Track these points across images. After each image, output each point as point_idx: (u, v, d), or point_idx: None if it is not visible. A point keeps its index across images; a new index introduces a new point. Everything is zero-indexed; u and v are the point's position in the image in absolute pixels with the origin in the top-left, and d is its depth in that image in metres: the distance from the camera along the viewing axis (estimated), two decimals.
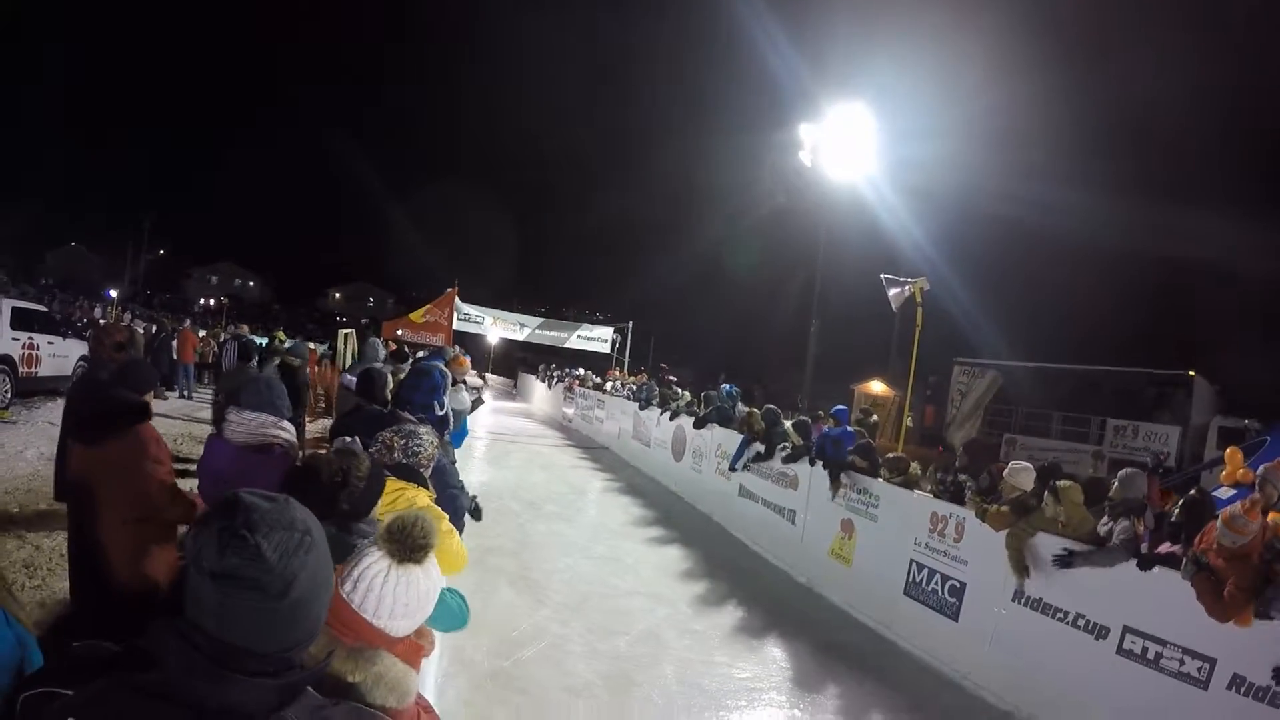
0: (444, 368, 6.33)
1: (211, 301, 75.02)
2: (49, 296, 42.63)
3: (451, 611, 2.78)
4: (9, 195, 65.19)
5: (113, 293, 51.75)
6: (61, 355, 14.72)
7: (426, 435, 3.47)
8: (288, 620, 1.24)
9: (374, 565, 1.93)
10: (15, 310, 13.54)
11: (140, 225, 63.61)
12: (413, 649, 1.99)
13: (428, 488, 3.28)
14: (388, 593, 1.89)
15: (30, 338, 13.54)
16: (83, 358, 15.50)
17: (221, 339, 22.44)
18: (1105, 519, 5.70)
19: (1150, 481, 7.40)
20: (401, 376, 6.54)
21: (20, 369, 13.04)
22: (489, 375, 31.20)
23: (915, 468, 8.09)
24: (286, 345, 10.30)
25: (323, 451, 3.01)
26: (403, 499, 3.04)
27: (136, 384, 3.89)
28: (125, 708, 1.17)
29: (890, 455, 8.44)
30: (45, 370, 14.06)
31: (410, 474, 3.22)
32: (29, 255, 66.58)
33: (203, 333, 23.61)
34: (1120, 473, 5.69)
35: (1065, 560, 5.57)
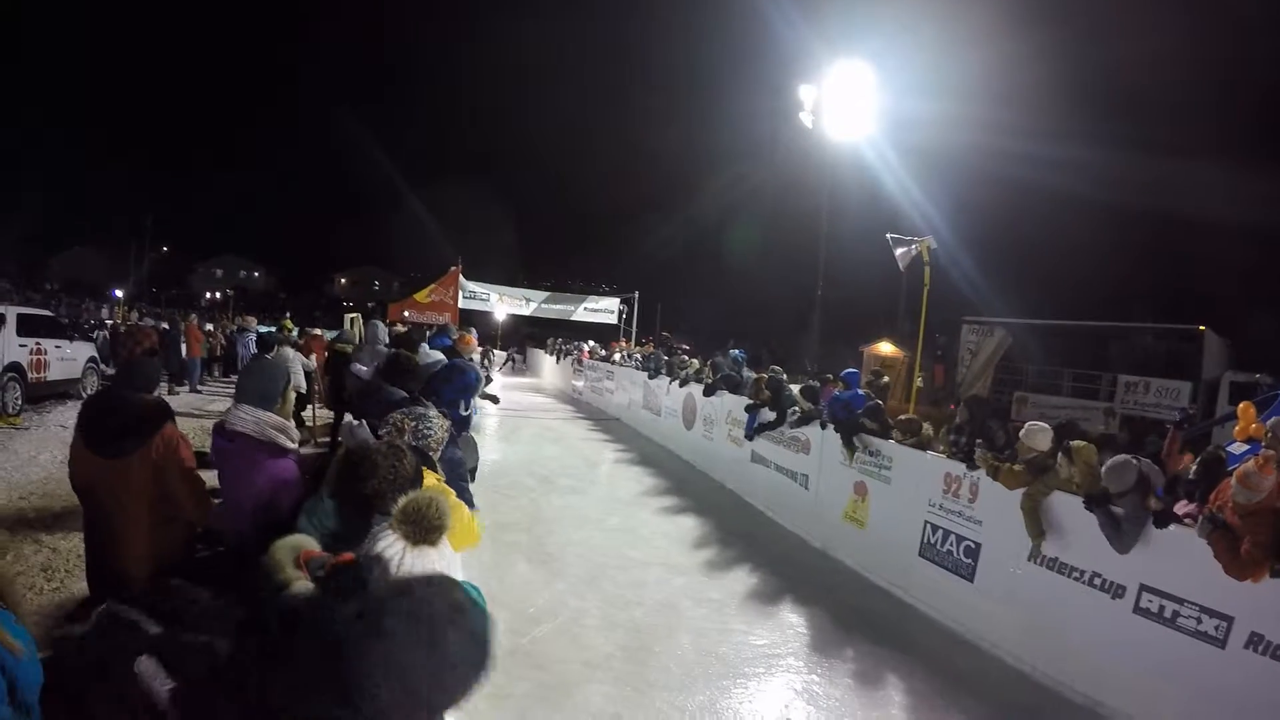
0: (478, 370, 6.26)
1: (217, 294, 75.11)
2: (55, 300, 42.78)
3: None
4: (8, 202, 65.21)
5: (119, 293, 51.79)
6: (70, 358, 14.86)
7: (437, 419, 3.48)
8: (429, 692, 1.32)
9: (390, 547, 1.95)
10: (21, 317, 13.60)
11: (142, 223, 63.57)
12: None
13: (436, 470, 3.28)
14: (403, 573, 1.90)
15: (38, 343, 13.62)
16: (91, 359, 15.59)
17: (229, 331, 22.52)
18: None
19: (1174, 438, 7.35)
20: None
21: (30, 375, 13.13)
22: (498, 352, 31.10)
23: (928, 428, 8.06)
24: (318, 333, 10.32)
25: (377, 444, 3.00)
26: (461, 516, 3.09)
27: (143, 383, 3.88)
28: (206, 676, 1.24)
29: (902, 417, 8.43)
30: (54, 374, 14.17)
31: (421, 457, 3.22)
32: (32, 260, 66.81)
33: (209, 326, 23.64)
34: (1107, 465, 5.46)
35: (1094, 502, 5.49)
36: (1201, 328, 21.21)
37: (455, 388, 5.40)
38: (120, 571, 3.41)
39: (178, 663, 1.24)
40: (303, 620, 1.35)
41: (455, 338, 8.48)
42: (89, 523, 3.65)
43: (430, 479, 3.19)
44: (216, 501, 3.57)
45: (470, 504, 3.97)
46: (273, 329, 19.26)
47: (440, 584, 1.39)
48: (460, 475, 4.14)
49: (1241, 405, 7.66)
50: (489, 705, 4.60)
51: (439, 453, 3.45)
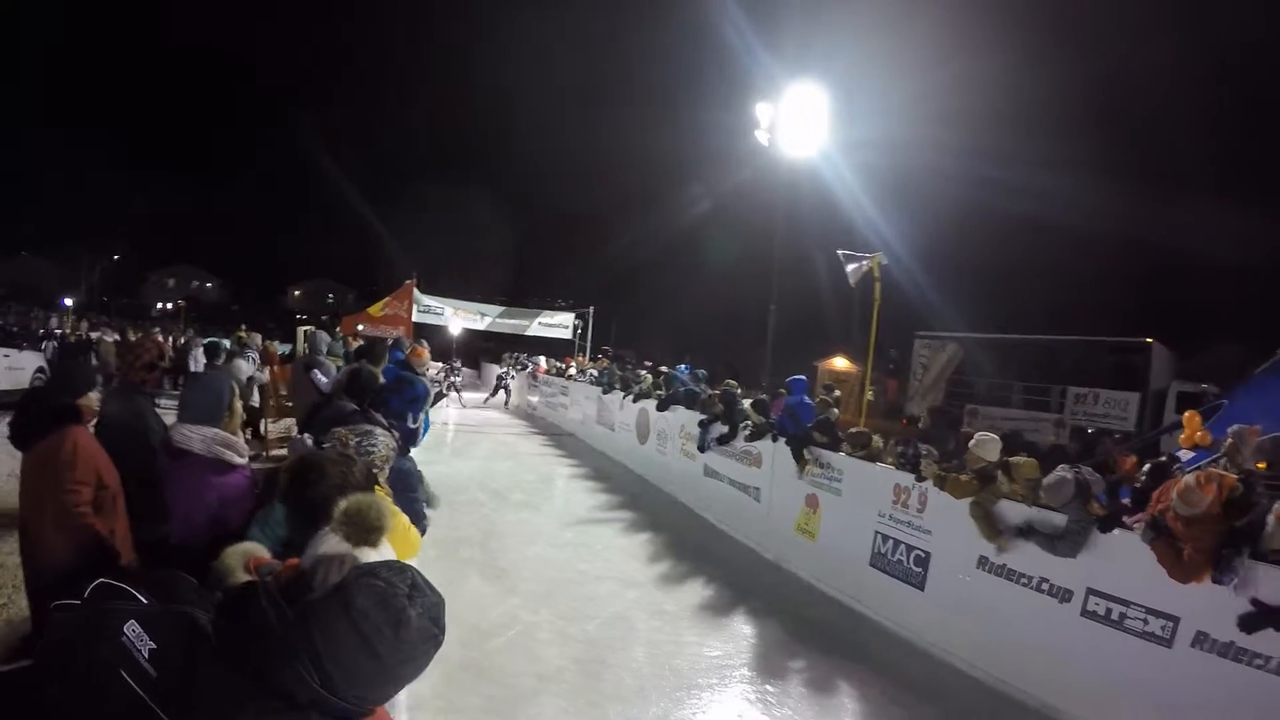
0: (428, 384, 6.21)
1: (170, 305, 73.78)
2: (2, 309, 41.80)
3: None
4: None
5: (68, 301, 50.76)
6: (17, 368, 14.55)
7: (382, 437, 3.45)
8: (382, 684, 1.40)
9: (331, 548, 1.95)
10: None
11: (93, 231, 62.41)
12: None
13: (383, 487, 3.26)
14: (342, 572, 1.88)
15: None
16: (39, 369, 15.25)
17: (182, 341, 22.08)
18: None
19: (1115, 448, 7.50)
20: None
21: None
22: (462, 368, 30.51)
23: (877, 441, 8.14)
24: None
25: (325, 451, 2.98)
26: (398, 522, 3.07)
27: (71, 387, 3.79)
28: (185, 638, 1.34)
29: (852, 430, 8.50)
30: (1, 384, 13.77)
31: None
32: None
33: (161, 337, 23.17)
34: (1044, 484, 5.62)
35: (1025, 532, 5.65)
36: (1149, 340, 21.62)
37: (403, 399, 5.38)
38: (40, 573, 3.32)
39: (161, 628, 1.33)
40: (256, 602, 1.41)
41: (407, 351, 8.40)
42: (20, 531, 3.56)
43: (378, 494, 3.18)
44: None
45: (421, 517, 3.93)
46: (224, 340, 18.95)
47: (399, 567, 1.49)
48: (409, 486, 4.10)
49: (1187, 414, 7.85)
50: (441, 718, 4.57)
51: (384, 471, 3.41)
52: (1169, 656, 4.74)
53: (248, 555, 2.32)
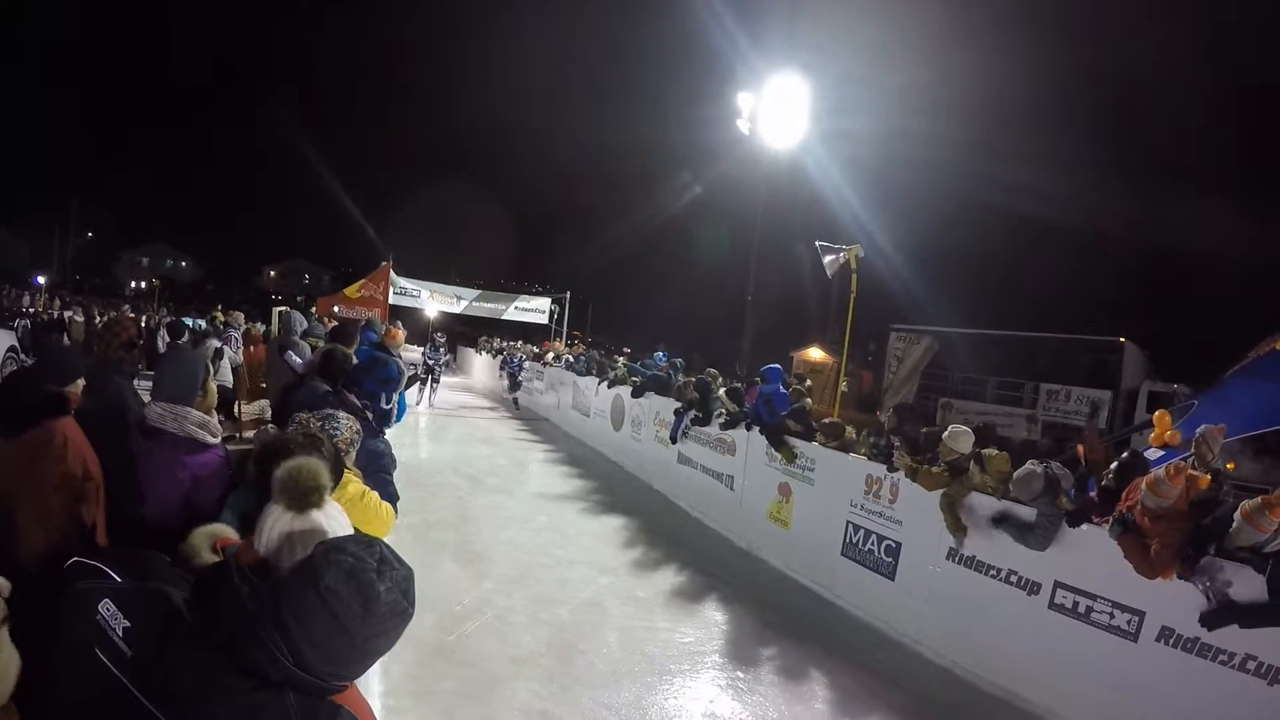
0: (401, 364, 6.15)
1: (143, 284, 72.94)
2: None
3: None
4: None
5: (41, 279, 50.05)
6: None
7: (345, 420, 3.42)
8: (351, 660, 1.38)
9: (278, 520, 1.93)
10: None
11: (66, 208, 61.49)
12: None
13: (351, 470, 3.26)
14: (295, 541, 1.88)
15: None
16: (10, 348, 15.02)
17: (155, 322, 21.83)
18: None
19: (1090, 428, 7.57)
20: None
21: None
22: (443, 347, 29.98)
23: (850, 431, 8.19)
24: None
25: (291, 433, 2.96)
26: (365, 499, 3.10)
27: (57, 374, 3.73)
28: (159, 616, 1.34)
29: (826, 420, 8.54)
30: None
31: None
32: None
33: (131, 315, 22.92)
34: (1014, 478, 5.67)
35: (998, 521, 5.70)
36: (1122, 339, 21.85)
37: (377, 380, 5.34)
38: (16, 566, 3.28)
39: (134, 606, 1.33)
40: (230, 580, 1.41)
41: (381, 333, 8.35)
42: None
43: (354, 485, 3.17)
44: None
45: (395, 498, 3.92)
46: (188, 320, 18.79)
47: (367, 541, 1.48)
48: (382, 468, 4.09)
49: (1157, 413, 7.93)
50: (415, 701, 4.58)
51: (350, 454, 3.39)
52: (1135, 650, 4.81)
53: (214, 536, 2.31)
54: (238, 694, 1.28)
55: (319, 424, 3.33)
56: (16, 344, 15.66)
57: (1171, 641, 4.63)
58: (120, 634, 1.29)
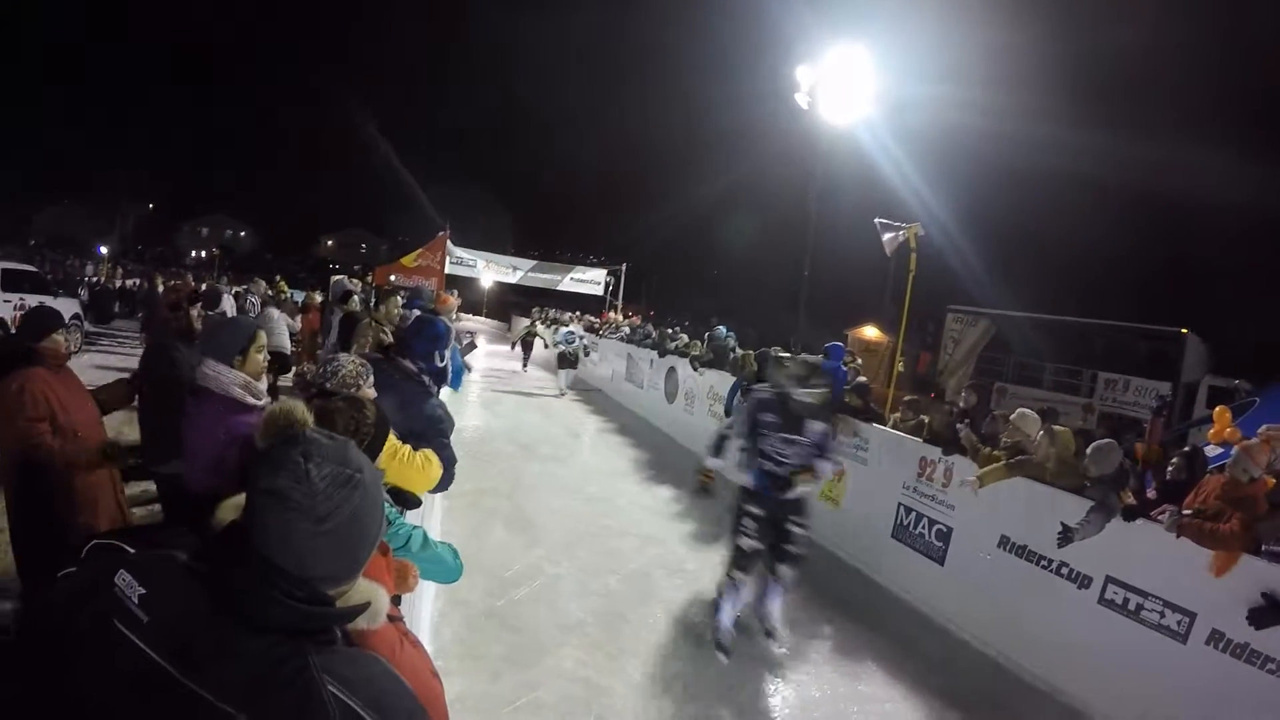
0: (448, 322, 6.20)
1: (203, 254, 74.42)
2: (39, 257, 42.36)
3: (447, 566, 2.83)
4: None
5: (103, 249, 51.26)
6: None
7: (346, 359, 3.39)
8: (322, 549, 1.33)
9: None
10: (5, 272, 13.72)
11: (129, 180, 62.96)
12: (375, 564, 2.02)
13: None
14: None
15: (21, 299, 13.59)
16: (75, 315, 15.48)
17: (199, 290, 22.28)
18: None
19: (1155, 425, 7.45)
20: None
21: (12, 330, 13.03)
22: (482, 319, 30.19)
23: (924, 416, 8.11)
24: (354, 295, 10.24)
25: (335, 402, 2.98)
26: (399, 454, 3.13)
27: (32, 331, 4.08)
28: (170, 578, 1.33)
29: (907, 398, 8.53)
30: None
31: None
32: (16, 217, 65.93)
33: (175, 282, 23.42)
34: (1092, 447, 5.56)
35: (1064, 538, 5.59)
36: (1184, 330, 21.30)
37: (426, 339, 5.40)
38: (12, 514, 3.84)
39: (148, 573, 1.34)
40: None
41: (431, 302, 8.44)
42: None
43: (404, 450, 3.22)
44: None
45: (452, 462, 3.97)
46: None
47: (291, 438, 1.45)
48: (441, 432, 4.14)
49: (1218, 409, 7.77)
50: (462, 665, 4.67)
51: (362, 386, 3.38)
52: (1183, 652, 4.74)
53: (240, 508, 2.36)
54: (257, 657, 1.27)
55: (318, 369, 3.37)
56: (80, 311, 16.10)
57: (1221, 646, 4.55)
58: (136, 601, 1.30)
